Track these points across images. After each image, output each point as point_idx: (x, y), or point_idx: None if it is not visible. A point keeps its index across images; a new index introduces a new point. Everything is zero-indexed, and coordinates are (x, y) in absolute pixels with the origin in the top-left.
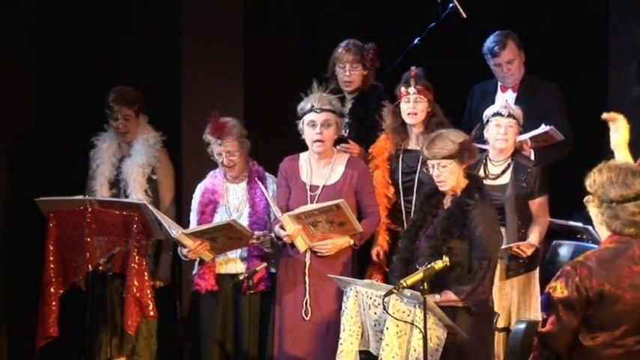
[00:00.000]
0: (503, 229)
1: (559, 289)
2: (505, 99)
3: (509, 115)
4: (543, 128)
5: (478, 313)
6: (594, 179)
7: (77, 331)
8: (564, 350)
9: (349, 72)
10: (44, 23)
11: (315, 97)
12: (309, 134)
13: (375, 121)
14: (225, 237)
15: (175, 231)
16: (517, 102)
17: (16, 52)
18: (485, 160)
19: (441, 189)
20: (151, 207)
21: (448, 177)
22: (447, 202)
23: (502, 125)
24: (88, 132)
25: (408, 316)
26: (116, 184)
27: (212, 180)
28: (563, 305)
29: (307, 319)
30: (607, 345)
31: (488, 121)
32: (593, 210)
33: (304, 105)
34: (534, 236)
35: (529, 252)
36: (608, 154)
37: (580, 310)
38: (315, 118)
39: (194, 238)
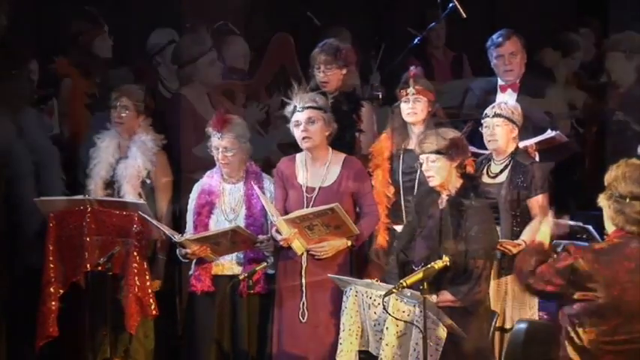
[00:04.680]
0: (498, 228)
1: (556, 257)
2: (505, 100)
3: (495, 115)
4: (549, 133)
5: (477, 313)
6: (611, 173)
7: (77, 330)
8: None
9: (323, 72)
10: (44, 22)
11: (297, 98)
12: (296, 134)
13: (352, 121)
14: (229, 241)
15: (177, 236)
16: (518, 102)
17: (16, 51)
18: (489, 159)
19: (430, 184)
20: (149, 218)
21: (437, 172)
22: (443, 202)
23: (490, 126)
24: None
25: (408, 315)
26: (111, 184)
27: (209, 180)
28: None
29: (304, 321)
30: (598, 342)
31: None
32: (603, 202)
33: (289, 108)
34: (524, 234)
35: (515, 250)
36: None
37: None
38: (298, 117)
39: (197, 243)
